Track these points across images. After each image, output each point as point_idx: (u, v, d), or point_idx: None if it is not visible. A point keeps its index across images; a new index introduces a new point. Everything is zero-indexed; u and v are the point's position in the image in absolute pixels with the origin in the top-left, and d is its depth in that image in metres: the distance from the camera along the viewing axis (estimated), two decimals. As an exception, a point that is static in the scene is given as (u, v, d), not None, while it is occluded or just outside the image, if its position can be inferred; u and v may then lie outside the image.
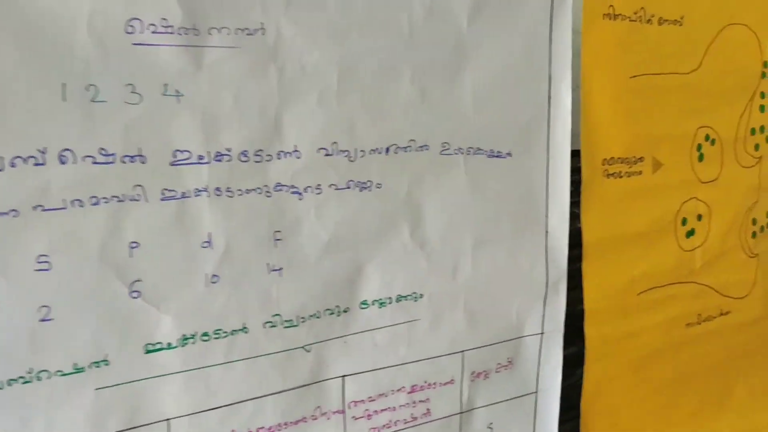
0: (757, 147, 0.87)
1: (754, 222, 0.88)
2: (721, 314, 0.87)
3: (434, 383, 0.66)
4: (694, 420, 0.89)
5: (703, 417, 0.90)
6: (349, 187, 0.59)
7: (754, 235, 0.88)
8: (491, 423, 0.70)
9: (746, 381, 0.94)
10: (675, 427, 0.87)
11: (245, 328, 0.55)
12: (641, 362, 0.81)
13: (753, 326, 0.91)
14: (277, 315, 0.57)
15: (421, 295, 0.64)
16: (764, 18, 0.84)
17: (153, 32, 0.49)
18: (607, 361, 0.78)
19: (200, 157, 0.52)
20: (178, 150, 0.51)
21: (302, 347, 0.58)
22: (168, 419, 0.53)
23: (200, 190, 0.52)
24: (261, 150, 0.54)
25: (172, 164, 0.51)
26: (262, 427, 0.57)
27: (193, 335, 0.53)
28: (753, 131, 0.86)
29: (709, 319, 0.86)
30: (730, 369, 0.92)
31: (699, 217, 0.83)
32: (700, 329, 0.86)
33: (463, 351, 0.67)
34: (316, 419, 0.60)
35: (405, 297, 0.63)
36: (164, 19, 0.49)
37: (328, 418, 0.60)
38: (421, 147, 0.62)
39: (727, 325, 0.89)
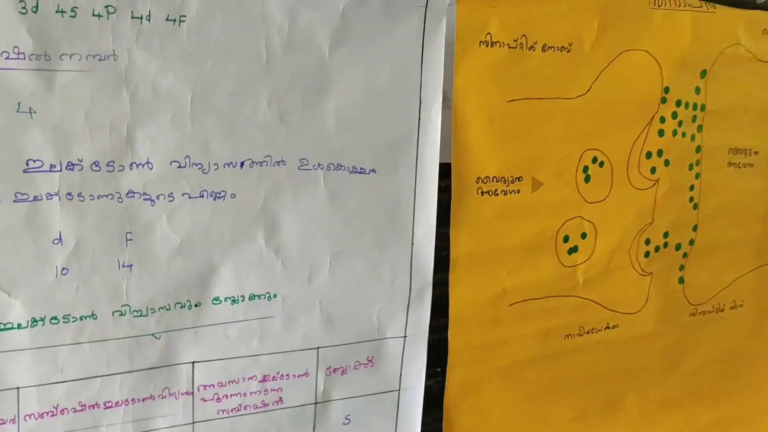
0: (653, 170, 0.88)
1: (647, 242, 0.90)
2: (608, 328, 0.91)
3: (287, 374, 0.73)
4: (574, 427, 0.93)
5: (585, 425, 0.93)
6: (202, 196, 0.65)
7: (647, 254, 0.90)
8: (349, 415, 0.77)
9: (638, 394, 0.97)
10: (553, 431, 0.91)
11: (94, 315, 0.63)
12: (513, 368, 0.85)
13: (646, 341, 0.94)
14: (126, 305, 0.64)
15: (275, 295, 0.70)
16: (665, 43, 0.85)
17: (6, 58, 0.56)
18: (475, 365, 0.82)
19: (52, 166, 0.59)
20: (30, 159, 0.58)
21: (152, 334, 0.66)
22: (18, 388, 0.61)
23: (51, 195, 0.59)
24: (113, 161, 0.61)
25: (25, 171, 0.58)
26: (110, 401, 0.65)
27: (43, 318, 0.61)
28: (649, 155, 0.88)
29: (593, 331, 0.90)
30: (619, 381, 0.95)
31: (583, 235, 0.86)
32: (582, 341, 0.89)
33: (318, 348, 0.73)
34: (164, 398, 0.67)
35: (258, 296, 0.70)
36: (16, 47, 0.56)
37: (176, 398, 0.68)
38: (277, 162, 0.68)
39: (616, 339, 0.92)
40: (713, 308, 0.99)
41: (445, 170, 0.77)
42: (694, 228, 0.94)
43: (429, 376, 0.82)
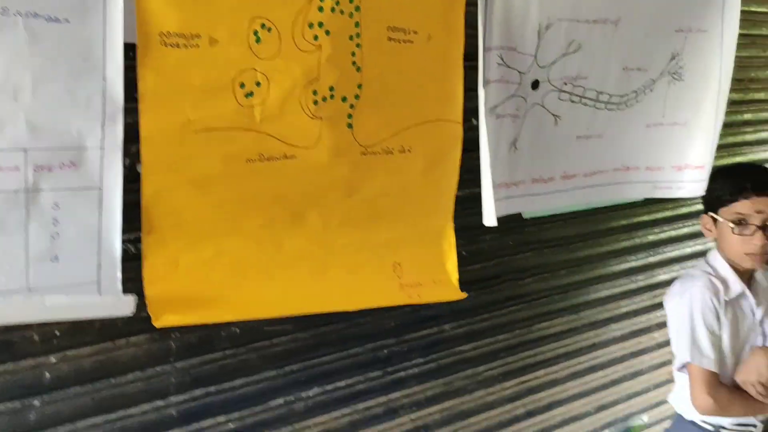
0: (315, 38, 1.14)
1: (315, 93, 1.17)
2: (286, 157, 1.18)
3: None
4: (264, 232, 1.21)
5: (274, 231, 1.22)
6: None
7: (315, 102, 1.18)
8: (57, 203, 1.02)
9: (320, 213, 1.26)
10: (246, 234, 1.19)
11: None
12: (202, 181, 1.12)
13: (323, 171, 1.23)
14: None
15: (-13, 107, 0.94)
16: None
17: None
18: (167, 175, 1.09)
19: None
20: None
21: None
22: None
23: None
24: None
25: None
26: None
27: None
28: (311, 26, 1.14)
29: (272, 159, 1.17)
30: (303, 201, 1.23)
31: (258, 84, 1.12)
32: (264, 165, 1.17)
33: (25, 149, 0.98)
34: None
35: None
36: None
37: None
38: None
39: (295, 167, 1.20)
40: (382, 150, 1.28)
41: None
42: (359, 86, 1.21)
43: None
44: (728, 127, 2.67)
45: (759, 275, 1.59)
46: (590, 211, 2.34)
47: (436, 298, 1.40)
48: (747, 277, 1.57)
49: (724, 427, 1.58)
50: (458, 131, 1.35)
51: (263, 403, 1.79)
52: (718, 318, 1.50)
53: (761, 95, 2.74)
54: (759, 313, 1.56)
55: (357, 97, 1.21)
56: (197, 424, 1.71)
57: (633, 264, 2.50)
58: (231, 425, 1.75)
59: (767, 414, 1.59)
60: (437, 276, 1.38)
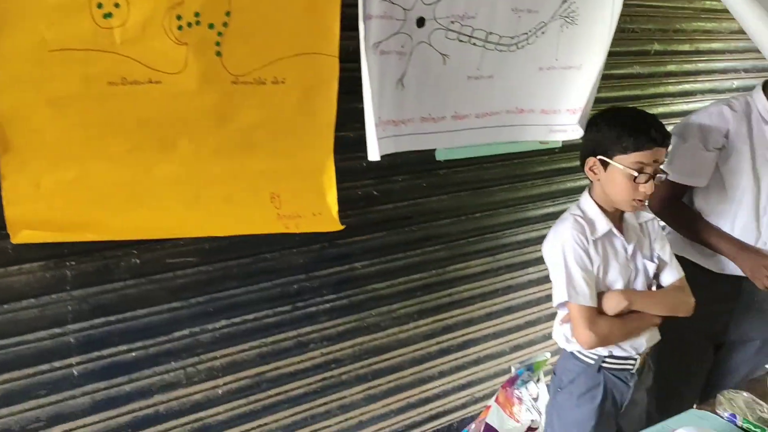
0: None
1: (179, 18, 1.17)
2: (151, 82, 1.19)
3: None
4: (133, 156, 1.23)
5: (144, 157, 1.24)
6: None
7: (180, 28, 1.18)
8: None
9: (191, 140, 1.27)
10: (112, 158, 1.21)
11: None
12: (61, 101, 1.13)
13: (192, 98, 1.24)
14: None
15: None
16: None
17: None
18: (23, 94, 1.09)
19: None
20: None
21: None
22: None
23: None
24: None
25: None
26: None
27: None
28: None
29: (136, 83, 1.18)
30: (172, 127, 1.25)
31: (116, 5, 1.12)
32: (127, 89, 1.17)
33: None
34: None
35: None
36: None
37: None
38: None
39: (161, 92, 1.20)
40: (254, 80, 1.29)
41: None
42: (227, 14, 1.21)
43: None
44: (651, 77, 2.72)
45: (628, 215, 1.65)
46: (506, 156, 2.38)
47: (314, 228, 1.43)
48: (616, 217, 1.63)
49: (605, 359, 1.65)
50: (334, 65, 1.36)
51: (167, 333, 1.83)
52: (588, 255, 1.56)
53: (685, 47, 2.77)
54: (630, 248, 1.62)
55: (225, 24, 1.21)
56: (98, 353, 1.75)
57: (550, 209, 2.55)
58: (133, 354, 1.79)
59: (648, 330, 1.66)
60: (317, 209, 1.41)
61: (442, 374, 2.46)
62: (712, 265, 1.91)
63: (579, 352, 1.66)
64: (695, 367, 1.99)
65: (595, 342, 1.60)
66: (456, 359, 2.49)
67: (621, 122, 1.56)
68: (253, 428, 2.04)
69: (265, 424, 2.07)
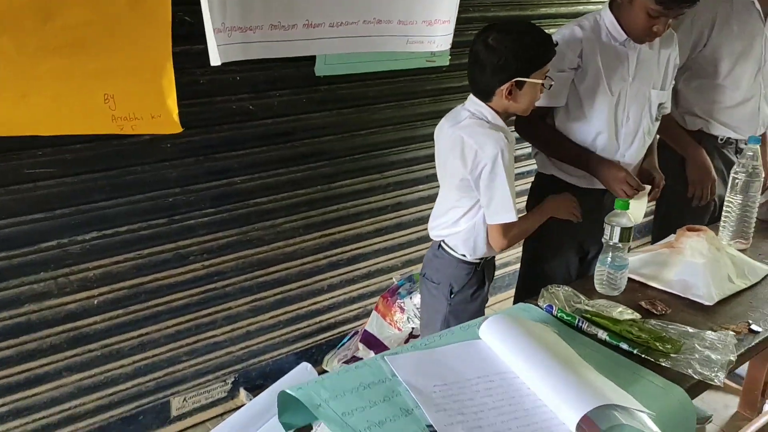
0: None
1: None
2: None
3: None
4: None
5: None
6: None
7: None
8: None
9: (12, 37, 1.23)
10: None
11: None
12: None
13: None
14: None
15: None
16: None
17: None
18: None
19: None
20: None
21: None
22: None
23: None
24: None
25: None
26: None
27: None
28: None
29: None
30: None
31: None
32: None
33: None
34: None
35: None
36: None
37: None
38: None
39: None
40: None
41: None
42: None
43: None
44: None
45: None
46: (392, 74, 2.39)
47: (152, 131, 1.43)
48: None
49: (464, 255, 1.74)
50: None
51: (33, 244, 1.83)
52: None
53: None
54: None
55: None
56: (-43, 261, 1.74)
57: (439, 128, 2.59)
58: (-3, 263, 1.79)
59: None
60: (156, 111, 1.40)
61: (331, 287, 2.54)
62: (577, 182, 1.99)
63: (465, 257, 1.74)
64: (561, 278, 2.09)
65: (508, 246, 1.70)
66: (346, 273, 2.56)
67: (528, 41, 1.57)
68: (134, 337, 2.09)
69: (147, 333, 2.11)
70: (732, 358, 1.29)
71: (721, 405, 2.56)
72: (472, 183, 1.61)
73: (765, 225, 1.99)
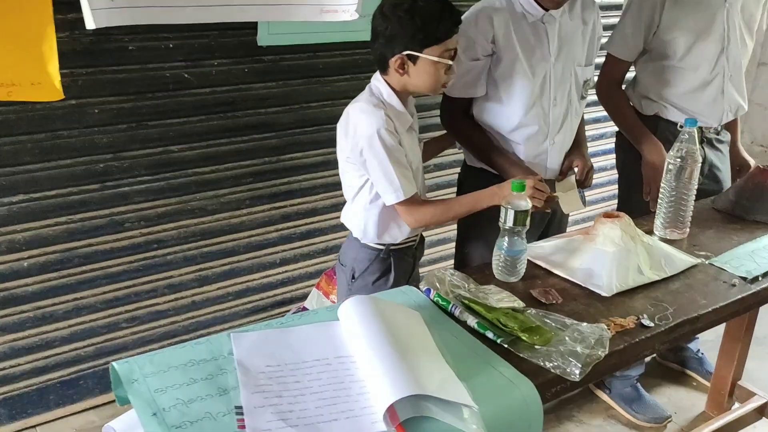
0: None
1: None
2: None
3: None
4: None
5: None
6: None
7: None
8: None
9: None
10: None
11: None
12: None
13: None
14: None
15: None
16: None
17: None
18: None
19: None
20: None
21: None
22: None
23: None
24: None
25: None
26: None
27: None
28: None
29: None
30: None
31: None
32: None
33: None
34: None
35: None
36: None
37: None
38: None
39: None
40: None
41: None
42: None
43: None
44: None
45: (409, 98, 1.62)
46: (344, 46, 2.30)
47: (31, 98, 1.40)
48: (406, 100, 1.59)
49: (392, 245, 1.66)
50: None
51: (-44, 204, 1.85)
52: (401, 144, 1.53)
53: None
54: (417, 131, 1.63)
55: None
56: None
57: (397, 102, 2.49)
58: None
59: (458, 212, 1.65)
60: (36, 78, 1.38)
61: (285, 261, 2.49)
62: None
63: (369, 242, 1.66)
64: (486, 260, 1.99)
65: (417, 227, 1.62)
66: (300, 247, 2.51)
67: (422, 12, 1.45)
68: (68, 301, 2.10)
69: (83, 297, 2.12)
70: (601, 354, 1.18)
71: (688, 404, 2.42)
72: (358, 162, 1.53)
73: (721, 215, 1.84)
